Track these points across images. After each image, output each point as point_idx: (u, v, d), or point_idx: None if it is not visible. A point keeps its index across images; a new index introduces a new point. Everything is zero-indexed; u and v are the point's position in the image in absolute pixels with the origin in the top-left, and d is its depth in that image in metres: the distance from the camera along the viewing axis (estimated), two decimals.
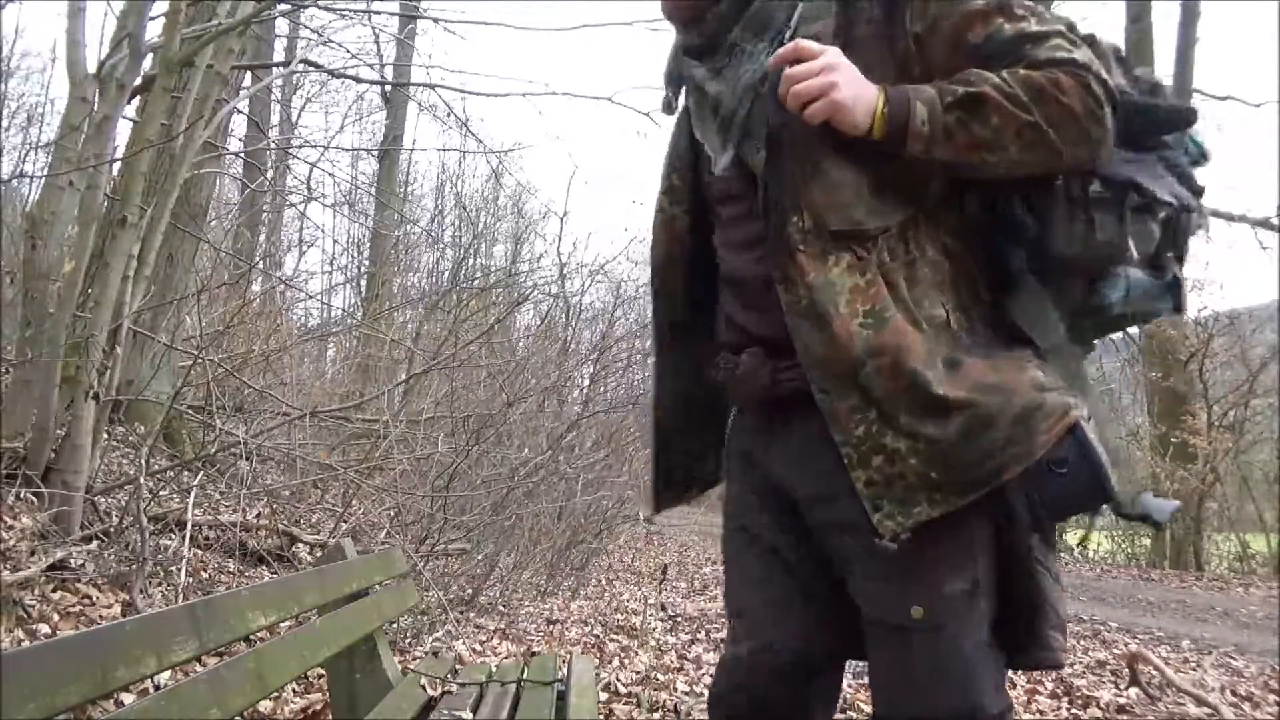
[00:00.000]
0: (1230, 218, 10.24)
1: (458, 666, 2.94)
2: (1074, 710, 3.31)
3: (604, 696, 3.19)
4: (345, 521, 4.41)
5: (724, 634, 4.62)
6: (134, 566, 3.10)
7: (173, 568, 3.33)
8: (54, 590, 2.92)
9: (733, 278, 1.26)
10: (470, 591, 4.92)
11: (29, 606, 2.73)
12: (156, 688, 1.98)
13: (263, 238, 11.19)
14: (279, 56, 9.54)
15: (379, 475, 4.91)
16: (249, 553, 3.94)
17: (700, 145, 1.28)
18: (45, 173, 4.10)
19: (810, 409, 1.14)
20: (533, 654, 3.80)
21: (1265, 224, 10.44)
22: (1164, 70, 11.76)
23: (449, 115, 7.94)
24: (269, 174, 10.23)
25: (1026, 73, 1.08)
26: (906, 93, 1.09)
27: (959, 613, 1.11)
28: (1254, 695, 3.73)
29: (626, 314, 9.57)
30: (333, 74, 7.72)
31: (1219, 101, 12.24)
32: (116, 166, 4.04)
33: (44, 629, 2.67)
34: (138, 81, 3.98)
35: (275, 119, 12.79)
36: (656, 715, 3.07)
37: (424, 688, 2.45)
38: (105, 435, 3.88)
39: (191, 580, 3.36)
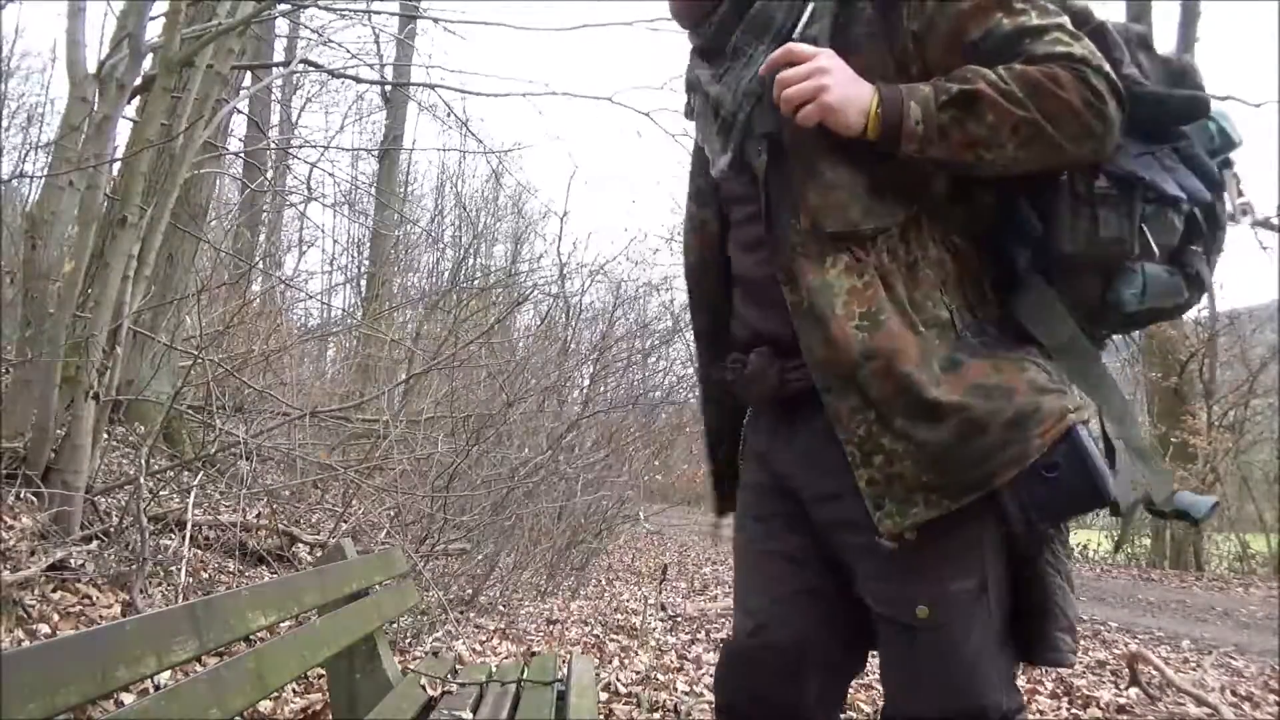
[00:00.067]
0: (1230, 218, 10.23)
1: (458, 666, 2.94)
2: (1074, 710, 3.31)
3: (604, 696, 3.19)
4: (345, 521, 4.41)
5: (724, 634, 4.64)
6: (134, 566, 3.10)
7: (173, 568, 3.33)
8: (54, 590, 2.92)
9: (743, 278, 1.27)
10: (470, 591, 4.92)
11: (29, 606, 2.73)
12: (156, 688, 1.98)
13: (263, 238, 11.20)
14: (279, 56, 9.54)
15: (379, 475, 4.91)
16: (249, 553, 3.94)
17: None
18: (45, 173, 4.10)
19: (817, 408, 1.14)
20: (533, 654, 3.80)
21: (1265, 224, 10.41)
22: None
23: (449, 115, 7.94)
24: (269, 174, 10.23)
25: (1023, 68, 1.07)
26: (900, 92, 1.09)
27: (965, 612, 1.11)
28: (1254, 695, 3.73)
29: (626, 314, 9.58)
30: (333, 74, 7.72)
31: (1219, 101, 12.20)
32: (116, 166, 4.04)
33: (44, 629, 2.67)
34: (138, 81, 3.98)
35: (275, 119, 12.80)
36: (656, 715, 3.07)
37: (424, 688, 2.45)
38: (105, 435, 3.88)
39: (191, 580, 3.36)
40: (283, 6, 6.36)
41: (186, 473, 4.27)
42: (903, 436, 1.07)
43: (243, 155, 8.52)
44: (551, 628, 4.81)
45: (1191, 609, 6.79)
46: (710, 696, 3.24)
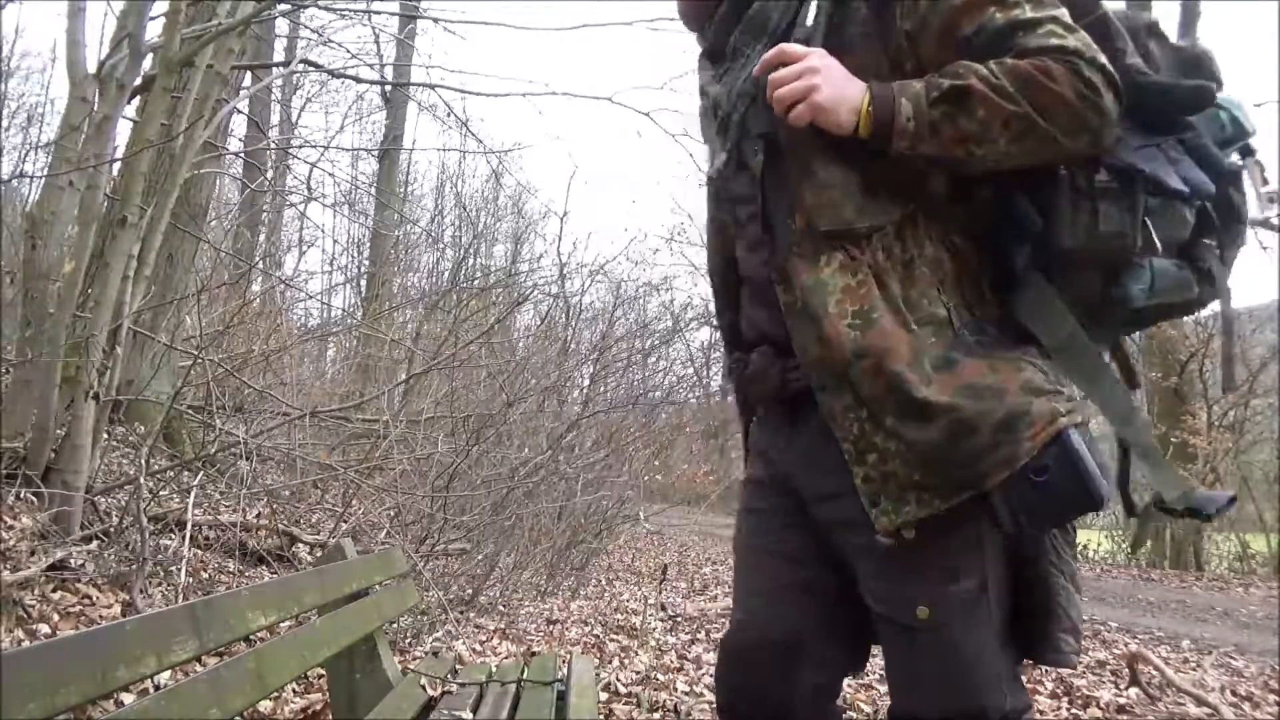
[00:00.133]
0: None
1: (458, 666, 2.94)
2: (1074, 710, 3.31)
3: (604, 696, 3.19)
4: (345, 521, 4.41)
5: (723, 633, 4.64)
6: (134, 566, 3.10)
7: (173, 568, 3.33)
8: (54, 590, 2.92)
9: (749, 278, 1.27)
10: (470, 591, 4.92)
11: (29, 606, 2.73)
12: (156, 688, 1.98)
13: (263, 238, 11.20)
14: (279, 56, 9.53)
15: (379, 475, 4.91)
16: (249, 553, 3.94)
17: None
18: (45, 173, 4.10)
19: (816, 408, 1.15)
20: (533, 654, 3.80)
21: (1265, 224, 10.43)
22: None
23: (449, 115, 7.95)
24: (269, 174, 10.23)
25: (1014, 62, 1.06)
26: (892, 89, 1.09)
27: (965, 613, 1.11)
28: (1254, 695, 3.73)
29: (626, 314, 9.59)
30: (333, 74, 7.72)
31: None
32: (116, 166, 4.04)
33: (44, 629, 2.67)
34: (138, 81, 3.98)
35: (275, 119, 12.80)
36: (656, 715, 3.07)
37: (424, 688, 2.45)
38: (105, 435, 3.88)
39: (191, 580, 3.36)
40: (283, 6, 6.36)
41: (186, 473, 4.27)
42: (894, 435, 1.07)
43: (243, 155, 8.52)
44: (551, 628, 4.81)
45: (1191, 609, 6.79)
46: (710, 697, 3.25)
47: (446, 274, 13.39)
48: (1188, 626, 5.82)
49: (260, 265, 9.18)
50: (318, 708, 2.66)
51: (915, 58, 1.13)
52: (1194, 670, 4.26)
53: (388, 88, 11.39)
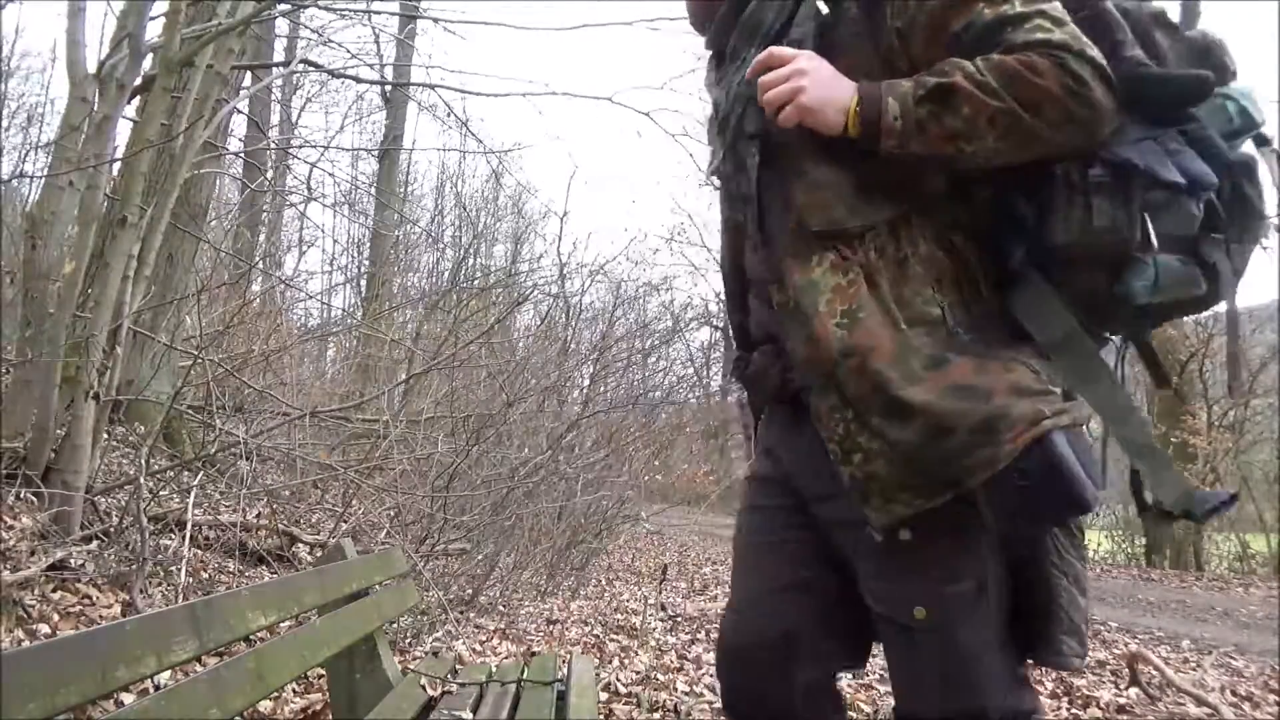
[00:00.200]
0: None
1: (458, 666, 2.94)
2: (1074, 710, 3.31)
3: (604, 696, 3.19)
4: (345, 521, 4.41)
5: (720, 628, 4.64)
6: (134, 566, 3.10)
7: (173, 568, 3.33)
8: (54, 590, 2.92)
9: (753, 279, 1.28)
10: (470, 591, 4.92)
11: (29, 606, 2.73)
12: (156, 688, 1.98)
13: (263, 238, 11.20)
14: (279, 56, 9.53)
15: (379, 475, 4.91)
16: (249, 553, 3.94)
17: None
18: (45, 173, 4.10)
19: None
20: (533, 654, 3.80)
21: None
22: None
23: (449, 115, 7.97)
24: (269, 174, 10.23)
25: (1000, 58, 1.05)
26: (879, 89, 1.10)
27: (964, 614, 1.11)
28: (1254, 695, 3.73)
29: (626, 314, 9.59)
30: (333, 74, 7.72)
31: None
32: (116, 166, 4.04)
33: (44, 629, 2.67)
34: (138, 81, 3.98)
35: (275, 119, 12.80)
36: (656, 715, 3.07)
37: (424, 688, 2.45)
38: (105, 435, 3.88)
39: (191, 580, 3.36)
40: (283, 6, 6.36)
41: (186, 473, 4.27)
42: (878, 435, 1.07)
43: (243, 155, 8.52)
44: (551, 628, 4.80)
45: (1191, 609, 6.79)
46: (710, 697, 3.25)
47: (446, 274, 13.40)
48: (1188, 626, 5.82)
49: (260, 265, 9.18)
50: (318, 708, 2.66)
51: (907, 57, 1.13)
52: (1194, 670, 4.26)
53: (388, 88, 11.40)
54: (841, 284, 1.11)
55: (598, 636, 4.58)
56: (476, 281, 12.39)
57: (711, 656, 4.02)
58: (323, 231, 16.21)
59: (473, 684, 2.58)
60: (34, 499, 3.21)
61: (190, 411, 4.86)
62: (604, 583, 7.33)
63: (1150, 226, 1.07)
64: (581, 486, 6.52)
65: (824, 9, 1.17)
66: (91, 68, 3.83)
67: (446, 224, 18.01)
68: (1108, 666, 4.09)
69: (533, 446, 6.36)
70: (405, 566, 2.80)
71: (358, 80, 9.54)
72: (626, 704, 3.16)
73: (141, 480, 3.34)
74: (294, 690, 2.81)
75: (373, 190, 12.93)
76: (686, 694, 3.34)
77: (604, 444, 7.34)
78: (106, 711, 1.85)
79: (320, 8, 6.65)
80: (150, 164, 3.84)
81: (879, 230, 1.12)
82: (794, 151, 1.16)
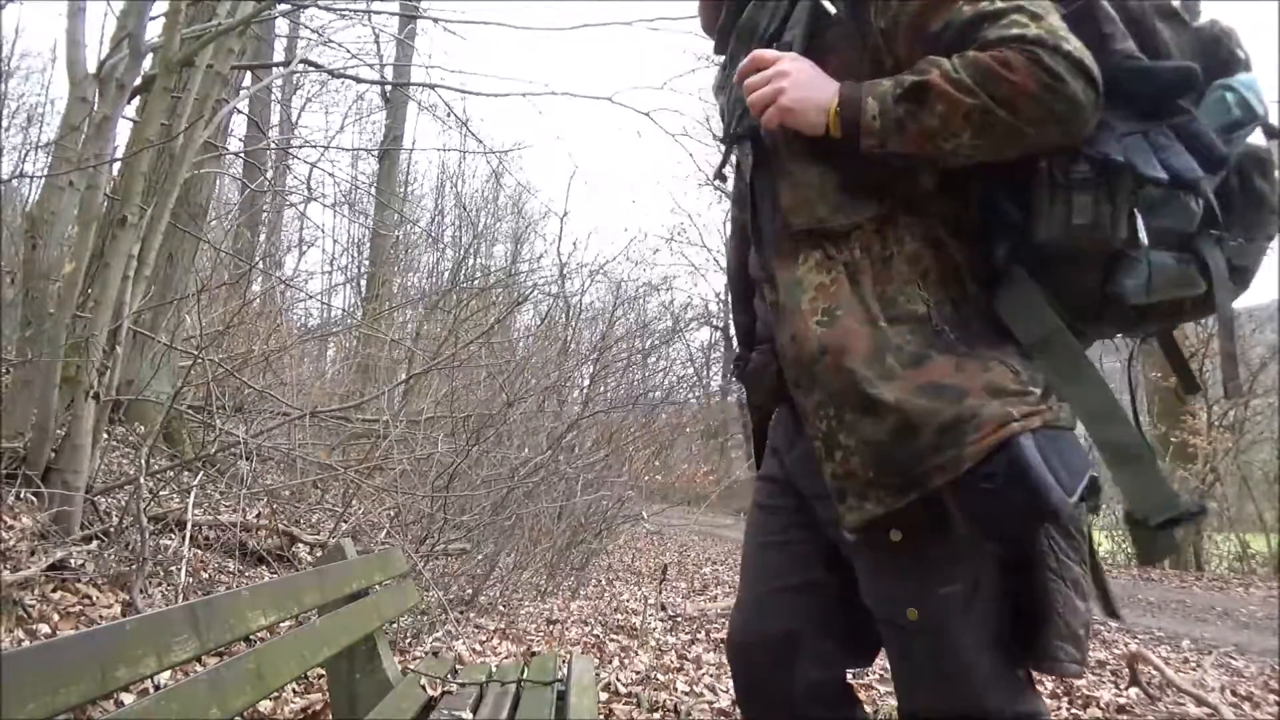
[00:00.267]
0: None
1: (458, 666, 2.94)
2: (1074, 710, 3.31)
3: (604, 696, 3.19)
4: (345, 521, 4.41)
5: (723, 634, 4.64)
6: (134, 566, 3.10)
7: (173, 568, 3.33)
8: (54, 590, 2.92)
9: (754, 277, 1.29)
10: (470, 591, 4.92)
11: (29, 606, 2.73)
12: (156, 688, 1.98)
13: (263, 238, 11.21)
14: (279, 56, 9.54)
15: (379, 475, 4.91)
16: (249, 553, 3.94)
17: None
18: (45, 173, 4.10)
19: None
20: (533, 654, 3.80)
21: None
22: None
23: (449, 115, 8.02)
24: (269, 174, 10.24)
25: (975, 54, 1.04)
26: (860, 89, 1.10)
27: (957, 616, 1.10)
28: (1254, 695, 3.73)
29: (626, 314, 9.59)
30: (333, 74, 7.72)
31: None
32: (116, 166, 4.04)
33: (44, 629, 2.67)
34: (138, 81, 3.98)
35: (275, 119, 12.81)
36: (656, 715, 3.07)
37: (424, 688, 2.45)
38: (105, 435, 3.88)
39: (191, 580, 3.36)
40: (283, 6, 6.37)
41: (186, 473, 4.26)
42: (853, 432, 1.07)
43: (243, 155, 8.53)
44: (551, 628, 4.80)
45: (1191, 609, 6.79)
46: (710, 697, 3.25)
47: (446, 274, 13.41)
48: (1188, 626, 5.82)
49: (260, 265, 9.18)
50: (318, 708, 2.66)
51: (892, 56, 1.13)
52: (1194, 670, 4.26)
53: (388, 88, 11.40)
54: (824, 282, 1.12)
55: (598, 636, 4.58)
56: (476, 281, 12.38)
57: (711, 656, 4.04)
58: (323, 231, 16.25)
59: (473, 684, 2.58)
60: (34, 499, 3.21)
61: (190, 411, 4.86)
62: (604, 583, 7.33)
63: (1141, 223, 1.04)
64: (581, 486, 6.52)
65: (830, 7, 1.17)
66: (91, 68, 3.83)
67: (446, 224, 18.05)
68: (1108, 666, 4.09)
69: (533, 446, 6.36)
70: (405, 566, 2.80)
71: (358, 80, 9.57)
72: (626, 704, 3.16)
73: (141, 480, 3.34)
74: (294, 690, 2.81)
75: (373, 190, 12.94)
76: (686, 694, 3.34)
77: (604, 444, 7.34)
78: (106, 711, 1.85)
79: (320, 8, 6.65)
80: (150, 164, 3.85)
81: (864, 228, 1.13)
82: (780, 152, 1.17)
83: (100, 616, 2.87)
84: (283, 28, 10.96)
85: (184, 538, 3.38)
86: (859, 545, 1.14)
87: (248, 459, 4.09)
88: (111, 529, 3.40)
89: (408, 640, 3.83)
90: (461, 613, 4.56)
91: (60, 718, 0.90)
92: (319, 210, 14.31)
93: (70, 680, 0.91)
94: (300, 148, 9.51)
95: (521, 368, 6.86)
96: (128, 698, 1.99)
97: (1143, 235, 1.04)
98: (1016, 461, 0.99)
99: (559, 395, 7.61)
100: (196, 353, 4.50)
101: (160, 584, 3.30)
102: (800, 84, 1.11)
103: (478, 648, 4.02)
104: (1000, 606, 1.12)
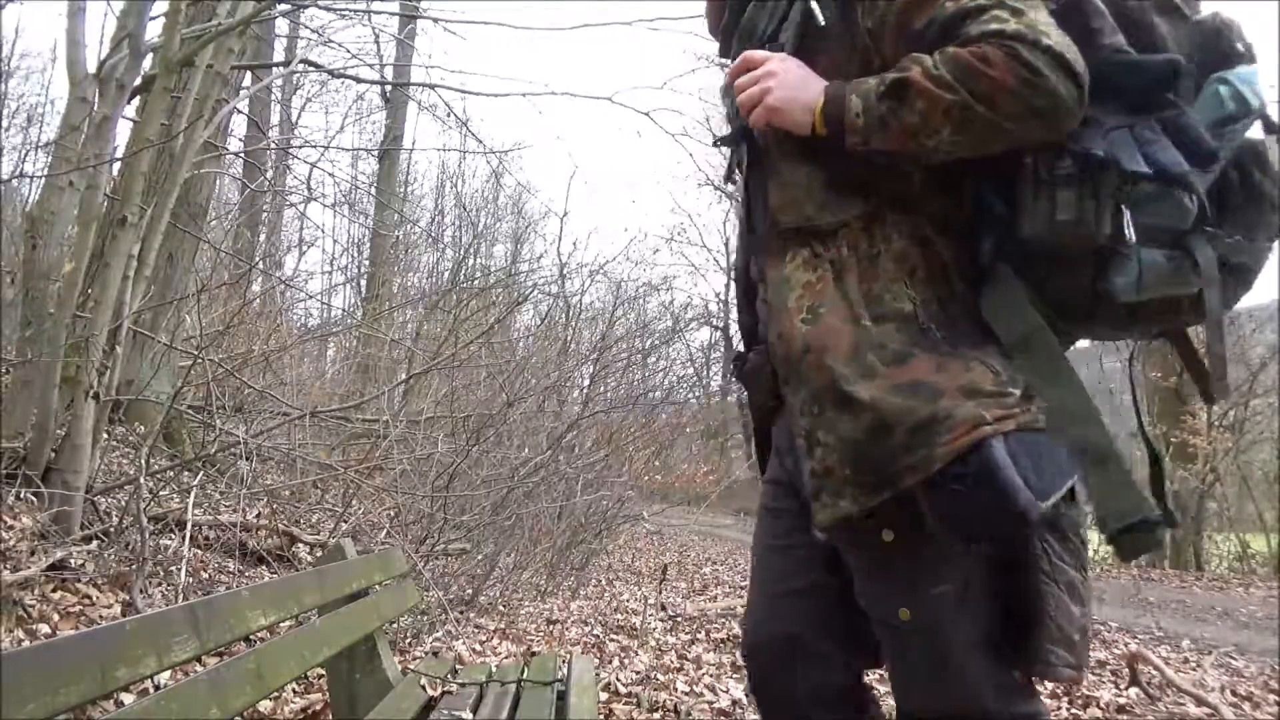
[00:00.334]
0: None
1: (458, 666, 2.94)
2: (1074, 710, 3.31)
3: (604, 696, 3.19)
4: (345, 521, 4.41)
5: (723, 634, 4.63)
6: (134, 566, 3.10)
7: (173, 568, 3.32)
8: (54, 590, 2.92)
9: (753, 276, 1.29)
10: (470, 591, 4.92)
11: (29, 606, 2.73)
12: (156, 688, 1.98)
13: (263, 238, 11.22)
14: (279, 56, 9.54)
15: (379, 475, 4.91)
16: (249, 553, 3.94)
17: None
18: (45, 173, 4.10)
19: None
20: (533, 654, 3.80)
21: None
22: None
23: (449, 115, 8.01)
24: (269, 174, 10.24)
25: (955, 50, 1.04)
26: (845, 87, 1.10)
27: (948, 616, 1.10)
28: (1254, 695, 3.73)
29: (626, 314, 9.59)
30: (333, 74, 7.72)
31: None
32: (116, 166, 4.04)
33: (44, 629, 2.67)
34: (138, 81, 3.98)
35: (275, 119, 12.82)
36: (656, 715, 3.07)
37: (424, 688, 2.45)
38: (105, 435, 3.88)
39: (191, 580, 3.36)
40: (283, 6, 6.37)
41: (186, 473, 4.26)
42: (832, 430, 1.08)
43: (243, 155, 8.53)
44: (551, 628, 4.80)
45: (1191, 609, 6.79)
46: (710, 697, 3.25)
47: (446, 274, 13.40)
48: (1188, 626, 5.82)
49: (260, 265, 9.18)
50: (318, 708, 2.66)
51: (880, 56, 1.13)
52: (1194, 670, 4.26)
53: (388, 88, 11.39)
54: (811, 280, 1.13)
55: (598, 636, 4.58)
56: (476, 281, 12.37)
57: (711, 656, 4.04)
58: (323, 231, 16.25)
59: (473, 684, 2.58)
60: (34, 499, 3.21)
61: (190, 411, 4.86)
62: (604, 583, 7.33)
63: (1128, 219, 1.03)
64: (581, 486, 6.52)
65: (818, 12, 1.16)
66: (91, 68, 3.83)
67: (446, 224, 18.04)
68: (1108, 666, 4.09)
69: (533, 446, 6.36)
70: (405, 566, 2.80)
71: (358, 80, 9.57)
72: (626, 704, 3.16)
73: (141, 480, 3.34)
74: (294, 690, 2.81)
75: (373, 190, 12.93)
76: (686, 694, 3.34)
77: (604, 444, 7.35)
78: (106, 711, 1.85)
79: (320, 8, 6.64)
80: (150, 164, 3.84)
81: (852, 226, 1.13)
82: (771, 151, 1.19)
83: (100, 616, 2.87)
84: (283, 28, 10.98)
85: (184, 538, 3.38)
86: (851, 545, 1.14)
87: (248, 459, 4.08)
88: (111, 529, 3.40)
89: (408, 640, 3.83)
90: (461, 613, 4.56)
91: (60, 718, 0.90)
92: (319, 210, 14.34)
93: (70, 680, 0.91)
94: (300, 148, 9.52)
95: (521, 368, 6.86)
96: (128, 698, 1.99)
97: (1129, 231, 1.03)
98: (986, 464, 0.99)
99: (559, 395, 7.61)
100: (196, 353, 4.50)
101: (160, 584, 3.30)
102: (787, 84, 1.13)
103: (478, 648, 4.02)
104: (991, 607, 1.11)
